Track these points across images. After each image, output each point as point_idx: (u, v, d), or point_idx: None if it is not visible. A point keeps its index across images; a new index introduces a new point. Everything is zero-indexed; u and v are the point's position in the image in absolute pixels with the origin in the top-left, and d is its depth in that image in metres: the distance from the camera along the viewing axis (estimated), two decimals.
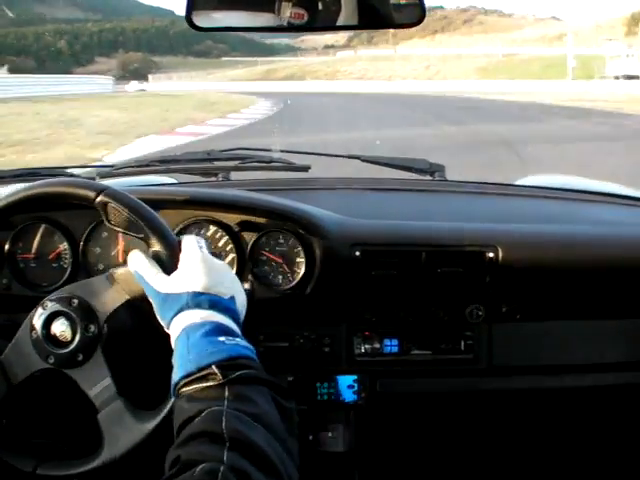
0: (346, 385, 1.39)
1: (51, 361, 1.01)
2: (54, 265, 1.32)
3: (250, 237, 1.33)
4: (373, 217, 1.43)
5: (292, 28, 1.08)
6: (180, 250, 0.95)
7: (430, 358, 1.40)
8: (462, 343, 1.40)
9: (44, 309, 1.02)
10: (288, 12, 1.02)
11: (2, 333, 1.13)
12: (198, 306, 0.87)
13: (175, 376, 0.82)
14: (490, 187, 1.75)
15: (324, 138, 11.92)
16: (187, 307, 0.87)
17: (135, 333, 1.06)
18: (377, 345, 1.40)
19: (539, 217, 1.53)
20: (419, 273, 1.35)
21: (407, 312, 1.39)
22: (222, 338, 0.83)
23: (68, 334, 1.01)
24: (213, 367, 0.78)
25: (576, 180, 1.90)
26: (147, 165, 1.69)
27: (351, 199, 1.64)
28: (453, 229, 1.40)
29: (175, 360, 0.84)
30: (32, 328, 1.02)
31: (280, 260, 1.34)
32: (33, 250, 1.32)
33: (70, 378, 1.01)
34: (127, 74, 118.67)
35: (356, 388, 1.39)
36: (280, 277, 1.34)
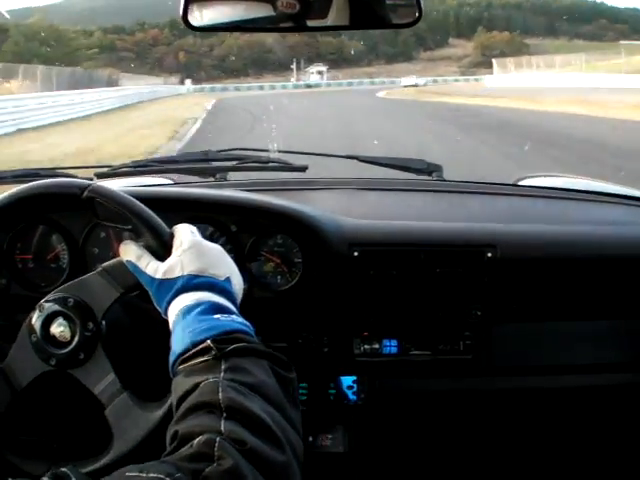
0: (346, 385, 1.39)
1: (53, 363, 1.00)
2: (52, 266, 1.32)
3: (248, 238, 1.33)
4: (371, 217, 1.43)
5: (284, 28, 1.10)
6: (173, 238, 0.95)
7: (429, 358, 1.40)
8: (461, 343, 1.40)
9: (41, 311, 1.01)
10: (280, 2, 1.03)
11: (1, 334, 1.13)
12: (193, 289, 0.86)
13: (172, 355, 0.82)
14: (488, 187, 1.75)
15: None
16: (182, 290, 0.86)
17: (133, 325, 1.06)
18: (376, 345, 1.39)
19: (538, 217, 1.53)
20: (418, 273, 1.34)
21: (406, 312, 1.39)
22: (217, 315, 0.82)
23: (67, 334, 1.00)
24: (208, 341, 0.78)
25: (576, 180, 1.89)
26: (145, 165, 1.69)
27: (349, 199, 1.64)
28: (452, 229, 1.40)
29: (172, 340, 0.84)
30: (31, 331, 1.01)
31: (278, 260, 1.33)
32: (31, 251, 1.32)
33: (74, 378, 1.01)
34: (485, 60, 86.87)
35: (355, 388, 1.39)
36: (278, 277, 1.34)
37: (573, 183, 1.86)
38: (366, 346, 1.39)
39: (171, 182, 1.72)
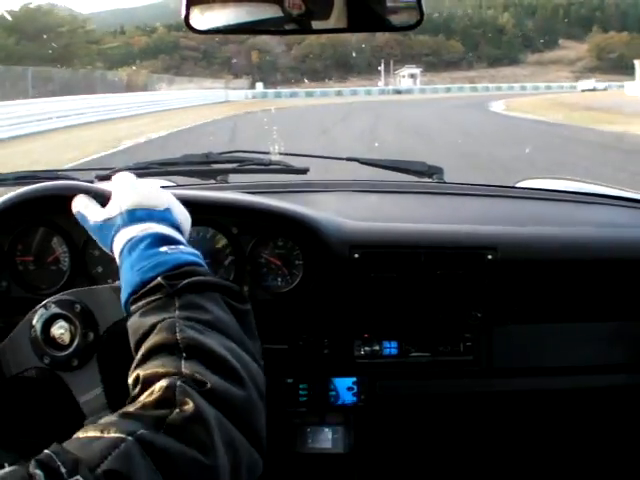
0: (346, 387, 1.39)
1: (46, 361, 1.01)
2: (53, 268, 1.32)
3: (249, 240, 1.33)
4: (372, 219, 1.43)
5: (288, 31, 1.09)
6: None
7: (429, 360, 1.40)
8: (461, 345, 1.40)
9: (46, 309, 1.02)
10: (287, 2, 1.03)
11: (0, 335, 1.13)
12: (134, 221, 0.86)
13: (123, 293, 0.81)
14: (489, 189, 1.75)
15: None
16: (123, 225, 0.86)
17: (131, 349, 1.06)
18: (377, 347, 1.40)
19: (539, 219, 1.53)
20: (418, 275, 1.35)
21: (406, 314, 1.39)
22: (164, 248, 0.81)
23: (67, 338, 1.01)
24: (159, 279, 0.77)
25: (576, 183, 1.90)
26: (146, 168, 1.69)
27: (350, 201, 1.64)
28: (452, 231, 1.40)
29: (121, 278, 0.83)
30: (31, 326, 1.02)
31: (279, 263, 1.34)
32: (32, 253, 1.32)
33: (62, 381, 1.01)
34: (602, 64, 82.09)
35: (356, 390, 1.39)
36: (279, 280, 1.34)
37: (573, 185, 1.86)
38: (366, 348, 1.39)
39: (172, 184, 1.73)
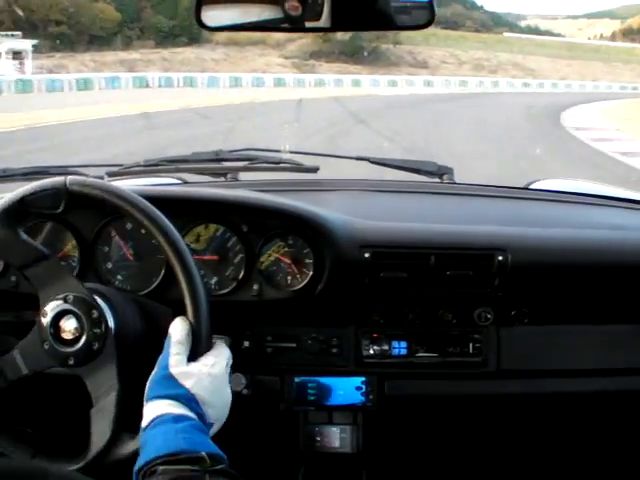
0: (354, 387, 1.39)
1: (46, 347, 1.02)
2: (62, 263, 1.32)
3: (259, 238, 1.33)
4: (382, 219, 1.43)
5: (293, 29, 1.14)
6: (210, 344, 1.00)
7: (438, 361, 1.39)
8: (470, 346, 1.40)
9: (65, 302, 1.04)
10: (287, 4, 1.09)
11: (10, 330, 1.13)
12: (186, 405, 0.89)
13: (150, 451, 0.82)
14: (499, 190, 1.74)
15: None
16: (176, 398, 0.89)
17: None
18: (385, 347, 1.39)
19: (549, 221, 1.52)
20: (428, 275, 1.34)
21: (416, 314, 1.39)
22: (208, 439, 0.85)
23: (73, 335, 1.02)
24: (203, 453, 0.79)
25: (588, 184, 1.89)
26: (156, 165, 1.70)
27: (360, 201, 1.64)
28: (463, 232, 1.39)
29: (149, 437, 0.84)
30: (44, 314, 1.04)
31: (289, 261, 1.33)
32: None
33: (77, 377, 1.02)
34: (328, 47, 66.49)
35: (364, 390, 1.39)
36: (289, 278, 1.34)
37: (585, 187, 1.85)
38: (375, 347, 1.39)
39: (182, 182, 1.73)
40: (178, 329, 0.97)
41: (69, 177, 1.07)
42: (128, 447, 0.97)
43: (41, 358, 1.03)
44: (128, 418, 0.98)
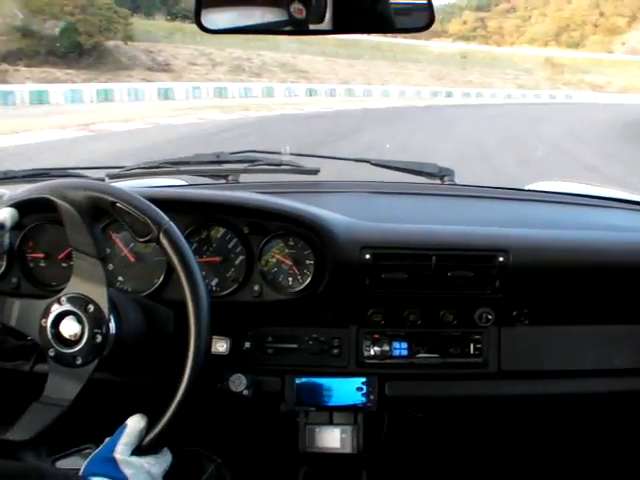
0: (355, 387, 1.39)
1: (51, 354, 1.03)
2: (63, 265, 1.32)
3: (259, 239, 1.33)
4: (383, 220, 1.43)
5: (294, 32, 1.13)
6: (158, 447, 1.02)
7: (439, 361, 1.40)
8: (471, 347, 1.40)
9: (60, 304, 1.04)
10: (292, 7, 1.08)
11: (10, 330, 1.14)
12: None
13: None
14: (500, 192, 1.74)
15: None
16: None
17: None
18: (386, 348, 1.39)
19: (550, 222, 1.52)
20: (429, 276, 1.34)
21: (417, 315, 1.39)
22: None
23: (75, 335, 1.03)
24: None
25: (588, 186, 1.89)
26: (157, 167, 1.70)
27: (361, 202, 1.64)
28: (463, 233, 1.40)
29: None
30: (44, 316, 1.04)
31: (289, 262, 1.34)
32: (43, 250, 1.33)
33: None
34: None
35: (365, 390, 1.39)
36: (289, 279, 1.34)
37: (585, 189, 1.85)
38: (376, 348, 1.39)
39: (183, 183, 1.73)
40: (135, 423, 1.01)
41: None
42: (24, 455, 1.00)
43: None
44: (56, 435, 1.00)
